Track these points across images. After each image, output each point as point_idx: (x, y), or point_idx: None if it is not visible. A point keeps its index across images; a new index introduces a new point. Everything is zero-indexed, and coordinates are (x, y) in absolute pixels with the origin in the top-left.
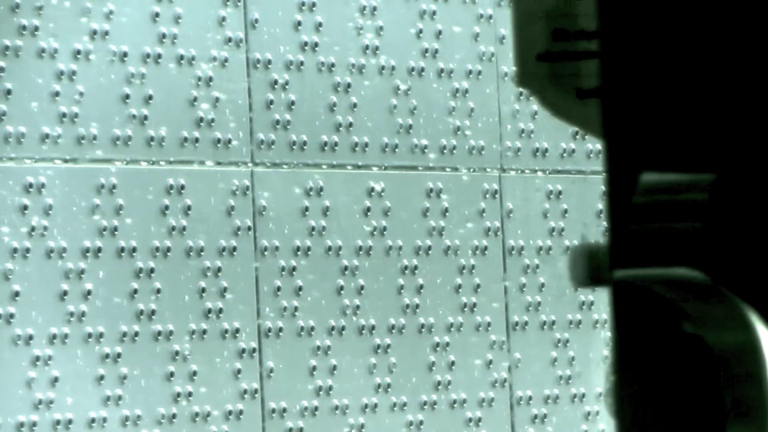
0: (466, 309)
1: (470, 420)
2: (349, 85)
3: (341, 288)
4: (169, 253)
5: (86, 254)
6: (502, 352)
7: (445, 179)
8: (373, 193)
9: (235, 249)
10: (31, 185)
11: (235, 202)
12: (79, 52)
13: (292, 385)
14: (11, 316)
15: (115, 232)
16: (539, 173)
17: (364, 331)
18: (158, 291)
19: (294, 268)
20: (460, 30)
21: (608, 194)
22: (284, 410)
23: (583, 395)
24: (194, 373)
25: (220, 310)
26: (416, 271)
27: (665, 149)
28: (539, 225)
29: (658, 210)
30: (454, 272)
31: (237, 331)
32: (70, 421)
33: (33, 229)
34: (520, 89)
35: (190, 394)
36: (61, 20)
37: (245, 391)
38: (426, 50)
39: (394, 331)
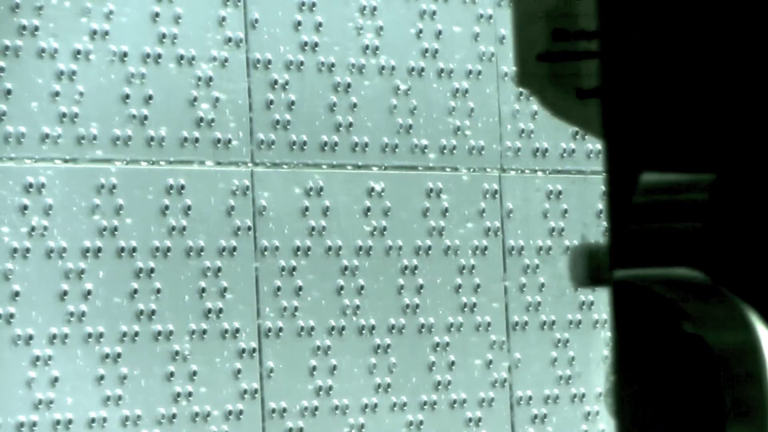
0: (466, 309)
1: (470, 420)
2: (349, 85)
3: (341, 288)
4: (169, 253)
5: (86, 254)
6: (502, 352)
7: (445, 179)
8: (373, 193)
9: (235, 249)
10: (31, 185)
11: (235, 202)
12: (79, 52)
13: (292, 385)
14: (11, 316)
15: (115, 232)
16: (539, 173)
17: (364, 331)
18: (158, 291)
19: (294, 268)
20: (460, 30)
21: (608, 194)
22: (284, 410)
23: (583, 395)
24: (194, 373)
25: (220, 310)
26: (416, 271)
27: (665, 149)
28: (539, 225)
29: (658, 210)
30: (454, 272)
31: (237, 331)
32: (70, 421)
33: (33, 229)
34: (520, 89)
35: (190, 394)
36: (61, 20)
37: (245, 391)
38: (426, 50)
39: (394, 331)
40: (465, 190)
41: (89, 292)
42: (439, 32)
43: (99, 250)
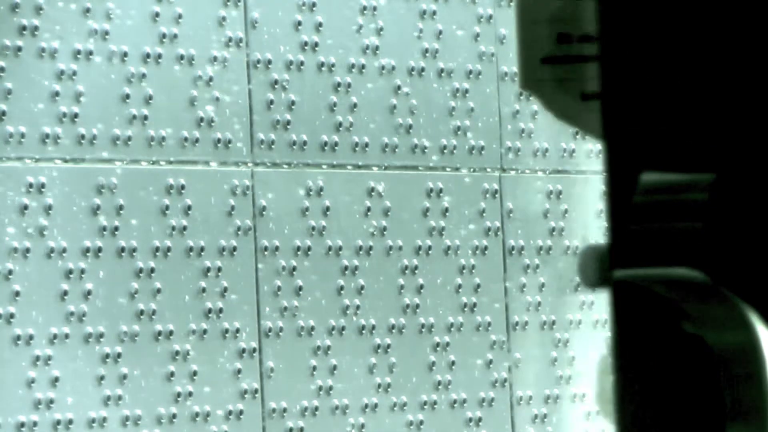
0: (466, 309)
1: (470, 420)
2: (349, 85)
3: (341, 288)
4: (169, 253)
5: (86, 254)
6: (502, 352)
7: (446, 179)
8: (373, 193)
9: (235, 249)
10: (31, 185)
11: (236, 202)
12: (79, 52)
13: (293, 385)
14: (11, 316)
15: (116, 232)
16: (539, 173)
17: (364, 331)
18: (158, 291)
19: (294, 268)
20: (461, 30)
21: (608, 194)
22: (284, 410)
23: (583, 395)
24: (194, 373)
25: (221, 310)
26: (416, 271)
27: (665, 149)
28: (539, 225)
29: (658, 210)
30: (455, 272)
31: (237, 331)
32: (70, 421)
33: (33, 229)
34: (521, 90)
35: (190, 393)
36: (61, 20)
37: (245, 391)
38: (426, 50)
39: (394, 331)
40: (465, 190)
41: (89, 292)
42: (440, 32)
43: (99, 250)
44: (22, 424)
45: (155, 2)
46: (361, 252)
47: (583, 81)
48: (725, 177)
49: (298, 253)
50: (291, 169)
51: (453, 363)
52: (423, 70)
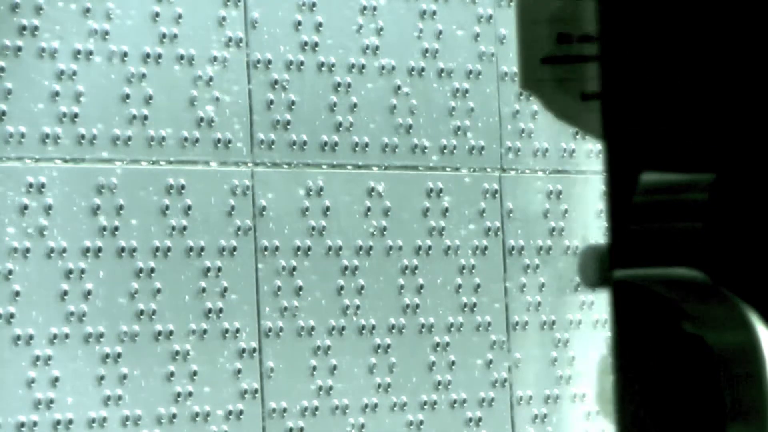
0: (466, 309)
1: (470, 420)
2: (349, 85)
3: (341, 288)
4: (169, 253)
5: (86, 254)
6: (502, 352)
7: (446, 179)
8: (373, 193)
9: (235, 249)
10: (31, 185)
11: (236, 202)
12: (79, 52)
13: (293, 385)
14: (11, 316)
15: (116, 232)
16: (539, 173)
17: (364, 331)
18: (158, 291)
19: (294, 268)
20: (461, 30)
21: (608, 194)
22: (284, 410)
23: (583, 395)
24: (194, 373)
25: (221, 310)
26: (416, 271)
27: (665, 149)
28: (539, 225)
29: (658, 210)
30: (455, 272)
31: (237, 331)
32: (70, 421)
33: (33, 229)
34: (521, 90)
35: (190, 393)
36: (61, 20)
37: (245, 391)
38: (426, 50)
39: (394, 331)
40: (465, 190)
41: (89, 292)
42: (440, 32)
43: (99, 250)
44: (22, 424)
45: (155, 2)
46: (361, 252)
47: (583, 81)
48: (725, 177)
49: (298, 253)
50: (291, 169)
51: (453, 363)
52: (423, 70)
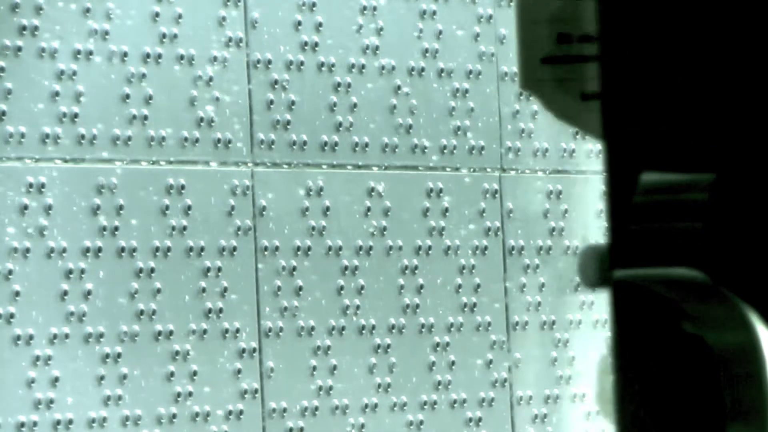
0: (466, 309)
1: (470, 420)
2: (349, 85)
3: (341, 288)
4: (169, 253)
5: (86, 254)
6: (502, 352)
7: (446, 179)
8: (373, 193)
9: (235, 249)
10: (31, 185)
11: (236, 202)
12: (79, 52)
13: (293, 385)
14: (11, 316)
15: (116, 232)
16: (539, 173)
17: (364, 331)
18: (158, 291)
19: (294, 268)
20: (461, 30)
21: (608, 194)
22: (284, 410)
23: (583, 395)
24: (194, 373)
25: (221, 310)
26: (416, 271)
27: (665, 149)
28: (539, 225)
29: (658, 210)
30: (455, 272)
31: (237, 331)
32: (70, 421)
33: (33, 229)
34: (521, 90)
35: (190, 393)
36: (61, 20)
37: (245, 391)
38: (426, 50)
39: (394, 331)
40: (465, 190)
41: (89, 292)
42: (440, 32)
43: (99, 250)
44: (22, 424)
45: (155, 2)
46: (361, 252)
47: (583, 81)
48: (725, 177)
49: (298, 253)
50: (291, 169)
51: (453, 363)
52: (423, 70)
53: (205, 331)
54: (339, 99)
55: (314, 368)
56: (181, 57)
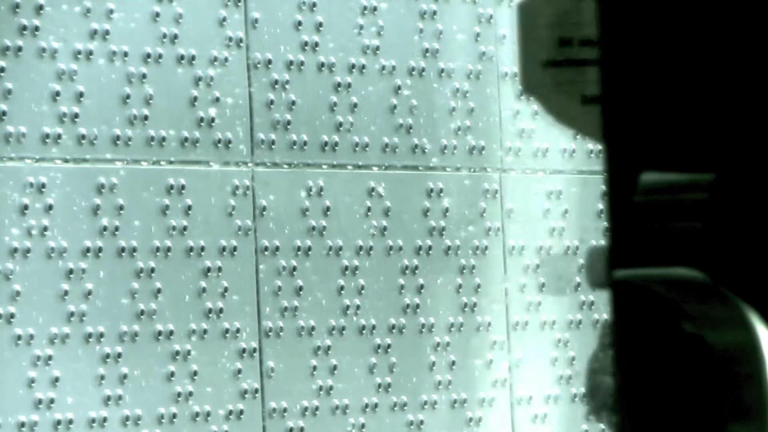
0: (466, 309)
1: (470, 420)
2: (349, 86)
3: (342, 288)
4: (169, 253)
5: (86, 254)
6: (502, 352)
7: (446, 179)
8: (373, 193)
9: (235, 249)
10: (32, 185)
11: (236, 202)
12: (79, 52)
13: (293, 385)
14: (11, 316)
15: (116, 232)
16: (539, 173)
17: (364, 331)
18: (159, 291)
19: (294, 268)
20: (461, 30)
21: (608, 194)
22: (285, 410)
23: (584, 395)
24: (195, 373)
25: (221, 310)
26: (417, 271)
27: (665, 149)
28: (539, 225)
29: (658, 210)
30: (455, 272)
31: (238, 330)
32: (70, 421)
33: (33, 229)
34: (521, 89)
35: (190, 393)
36: (61, 20)
37: (246, 391)
38: (426, 50)
39: (394, 330)
40: (465, 190)
41: (90, 292)
42: (440, 32)
43: (99, 250)
44: (22, 424)
45: (155, 2)
46: (361, 252)
47: (583, 84)
48: (725, 177)
49: (299, 253)
50: (291, 169)
51: (453, 363)
52: (423, 70)
53: (205, 331)
54: (339, 99)
55: (314, 368)
56: (182, 57)
